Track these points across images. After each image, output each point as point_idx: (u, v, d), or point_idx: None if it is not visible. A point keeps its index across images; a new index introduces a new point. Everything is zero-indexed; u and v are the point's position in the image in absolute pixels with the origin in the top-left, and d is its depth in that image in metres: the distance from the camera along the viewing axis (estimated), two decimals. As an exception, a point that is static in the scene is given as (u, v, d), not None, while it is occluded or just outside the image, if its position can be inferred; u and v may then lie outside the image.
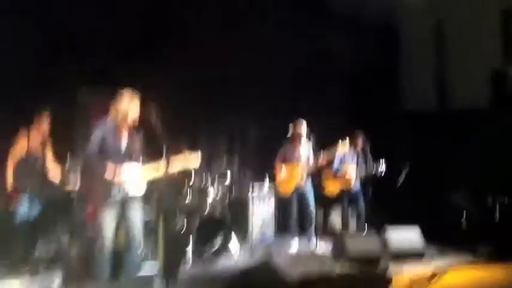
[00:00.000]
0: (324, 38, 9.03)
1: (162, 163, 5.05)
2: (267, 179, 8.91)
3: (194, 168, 5.82)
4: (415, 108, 10.18)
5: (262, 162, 9.36)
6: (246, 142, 10.07)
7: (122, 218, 5.19)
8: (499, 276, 6.33)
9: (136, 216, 5.22)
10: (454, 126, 8.97)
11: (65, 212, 6.25)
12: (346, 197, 8.30)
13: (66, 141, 6.96)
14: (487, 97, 9.17)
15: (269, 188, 8.88)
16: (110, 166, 5.01)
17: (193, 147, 8.15)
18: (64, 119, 6.92)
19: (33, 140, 6.19)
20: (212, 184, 7.48)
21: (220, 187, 7.65)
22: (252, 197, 8.68)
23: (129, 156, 5.17)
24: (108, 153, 5.06)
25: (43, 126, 6.20)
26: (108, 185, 5.01)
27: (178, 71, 7.83)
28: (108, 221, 5.07)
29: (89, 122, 7.70)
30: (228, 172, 7.93)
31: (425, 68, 10.29)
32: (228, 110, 8.95)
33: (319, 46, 9.04)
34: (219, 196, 7.60)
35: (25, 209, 5.98)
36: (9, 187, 5.94)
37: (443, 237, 7.75)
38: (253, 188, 8.85)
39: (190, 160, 5.47)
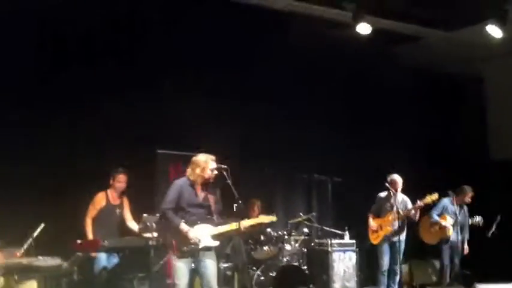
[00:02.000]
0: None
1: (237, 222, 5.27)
2: (347, 230, 8.72)
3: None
4: (505, 158, 9.75)
5: (343, 212, 9.24)
6: (326, 193, 9.99)
7: (197, 269, 5.22)
8: None
9: (211, 266, 5.27)
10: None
11: (142, 261, 6.34)
12: (444, 248, 7.92)
13: (145, 197, 7.18)
14: None
15: (350, 238, 8.67)
16: (186, 220, 5.16)
17: (271, 201, 8.35)
18: (143, 177, 7.20)
19: (111, 193, 6.45)
20: (290, 234, 7.36)
21: (299, 237, 7.51)
22: (332, 248, 8.48)
23: (204, 211, 5.31)
24: (184, 207, 5.23)
25: (121, 182, 6.44)
26: (184, 238, 5.12)
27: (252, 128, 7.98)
28: (183, 272, 5.14)
29: (167, 180, 8.07)
30: (307, 221, 7.80)
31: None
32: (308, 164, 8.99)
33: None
34: (297, 245, 7.45)
35: (104, 257, 6.12)
36: (89, 238, 6.13)
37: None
38: (334, 237, 8.68)
39: (265, 220, 5.68)
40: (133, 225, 6.42)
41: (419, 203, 7.38)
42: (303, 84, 8.79)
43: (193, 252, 5.16)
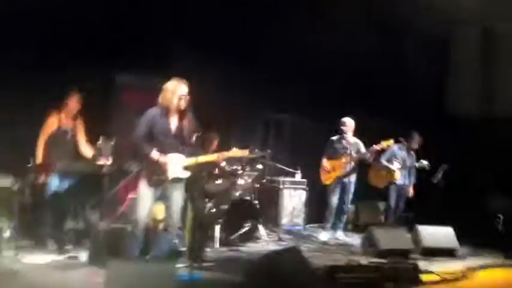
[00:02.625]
0: (375, 44, 8.92)
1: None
2: (299, 169, 8.91)
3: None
4: (460, 114, 10.04)
5: (297, 152, 9.40)
6: (283, 132, 10.12)
7: (163, 198, 5.24)
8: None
9: (178, 197, 5.26)
10: (496, 133, 8.78)
11: (95, 187, 6.29)
12: (391, 191, 8.19)
13: (100, 120, 7.02)
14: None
15: (302, 177, 8.89)
16: (157, 148, 5.10)
17: (227, 134, 8.36)
18: (97, 100, 7.00)
19: (63, 117, 6.24)
20: (244, 169, 7.44)
21: (252, 172, 7.61)
22: (283, 185, 8.68)
23: (178, 141, 5.22)
24: (156, 135, 5.14)
25: (74, 104, 6.25)
26: (153, 166, 5.08)
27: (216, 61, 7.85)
28: (147, 199, 5.12)
29: (124, 104, 7.94)
30: (261, 158, 7.88)
31: (472, 76, 10.13)
32: (266, 102, 9.03)
33: (369, 50, 8.94)
34: (250, 181, 7.55)
35: (56, 182, 6.01)
36: (40, 161, 5.99)
37: (477, 238, 7.66)
38: (285, 175, 8.87)
39: (239, 154, 5.66)
40: (86, 150, 6.27)
41: (374, 147, 7.59)
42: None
43: (162, 182, 5.12)
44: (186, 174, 5.23)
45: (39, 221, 6.01)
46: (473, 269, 6.25)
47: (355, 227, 8.81)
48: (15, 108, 6.42)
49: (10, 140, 5.59)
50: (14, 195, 5.07)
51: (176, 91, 5.16)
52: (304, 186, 8.91)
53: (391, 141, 7.63)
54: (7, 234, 5.30)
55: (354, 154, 7.68)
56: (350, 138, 7.82)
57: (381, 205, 8.92)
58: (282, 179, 8.82)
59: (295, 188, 8.90)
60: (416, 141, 8.24)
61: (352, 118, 7.91)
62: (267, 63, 8.44)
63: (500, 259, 6.96)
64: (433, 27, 9.14)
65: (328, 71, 8.75)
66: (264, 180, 8.52)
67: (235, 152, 5.68)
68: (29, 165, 5.71)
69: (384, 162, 8.12)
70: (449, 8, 8.43)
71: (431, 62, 9.72)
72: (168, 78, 5.27)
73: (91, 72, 6.96)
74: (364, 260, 6.07)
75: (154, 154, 5.06)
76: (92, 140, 6.30)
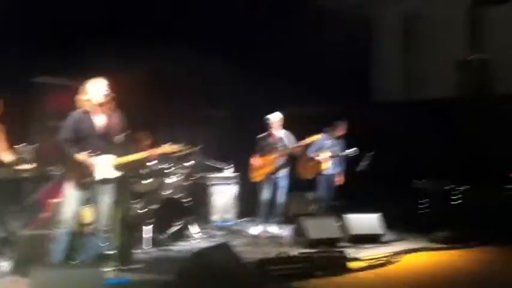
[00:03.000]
0: (296, 29, 9.00)
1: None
2: (231, 164, 8.94)
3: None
4: (384, 98, 10.34)
5: (226, 148, 9.40)
6: (211, 128, 10.09)
7: (91, 201, 5.13)
8: (454, 260, 6.46)
9: (104, 199, 5.16)
10: (420, 116, 9.11)
11: (16, 193, 6.04)
12: (320, 181, 8.34)
13: (20, 127, 6.75)
14: (453, 86, 9.33)
15: (233, 173, 8.91)
16: (82, 151, 4.97)
17: (159, 133, 8.26)
18: (17, 104, 6.71)
19: None
20: (174, 167, 7.36)
21: (181, 170, 7.54)
22: (212, 181, 8.69)
23: (105, 140, 5.10)
24: (82, 137, 5.02)
25: None
26: (80, 168, 4.96)
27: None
28: (73, 203, 5.00)
29: (45, 107, 7.69)
30: (190, 155, 7.81)
31: (395, 59, 10.46)
32: (194, 97, 8.95)
33: (291, 37, 9.01)
34: (181, 179, 7.48)
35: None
36: None
37: (403, 223, 7.92)
38: (215, 171, 8.86)
39: (170, 150, 5.64)
40: (5, 156, 6.00)
41: (301, 142, 7.71)
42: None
43: (90, 184, 5.01)
44: (116, 174, 5.14)
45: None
46: (398, 254, 6.50)
47: (286, 219, 8.92)
48: None
49: None
50: None
51: (98, 90, 5.07)
52: (235, 181, 8.94)
53: (318, 136, 7.80)
54: None
55: (282, 149, 7.75)
56: (278, 133, 7.87)
57: (310, 196, 9.06)
58: (211, 175, 8.81)
59: (225, 184, 8.91)
60: (341, 129, 8.41)
61: (284, 110, 7.92)
62: (197, 58, 8.41)
63: (424, 243, 7.22)
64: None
65: (255, 62, 8.79)
66: (194, 178, 8.47)
67: (165, 148, 5.64)
68: None
69: (311, 153, 8.25)
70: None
71: (356, 47, 9.96)
72: (89, 78, 5.14)
73: (9, 76, 6.71)
74: (294, 251, 6.19)
75: (80, 156, 4.95)
76: (12, 146, 6.04)
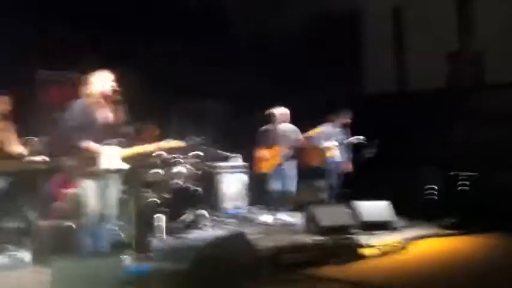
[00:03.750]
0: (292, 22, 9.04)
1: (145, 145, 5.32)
2: (240, 154, 9.02)
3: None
4: (384, 89, 10.40)
5: (236, 138, 9.46)
6: (220, 118, 10.18)
7: (100, 191, 5.14)
8: (465, 246, 6.52)
9: (114, 189, 5.22)
10: (417, 106, 9.19)
11: (30, 185, 6.15)
12: (329, 169, 8.40)
13: (27, 120, 6.84)
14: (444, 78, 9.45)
15: (242, 162, 8.99)
16: (89, 140, 5.00)
17: (166, 124, 8.34)
18: (24, 98, 6.81)
19: None
20: (183, 157, 7.43)
21: (192, 159, 7.60)
22: (222, 169, 8.77)
23: (109, 131, 5.14)
24: (87, 127, 5.03)
25: (2, 104, 6.03)
26: (87, 158, 4.99)
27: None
28: (88, 193, 5.03)
29: (50, 101, 7.78)
30: (201, 146, 7.87)
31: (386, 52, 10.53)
32: (201, 88, 9.00)
33: (285, 30, 9.05)
34: (190, 168, 7.55)
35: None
36: None
37: (413, 210, 7.92)
38: (225, 161, 8.94)
39: (175, 145, 5.66)
40: (17, 148, 6.09)
41: (306, 134, 7.84)
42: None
43: (97, 174, 5.03)
44: (123, 165, 5.18)
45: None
46: (410, 240, 6.54)
47: (296, 207, 8.98)
48: None
49: None
50: None
51: (103, 82, 5.11)
52: (245, 170, 9.02)
53: (319, 128, 7.96)
54: None
55: (286, 144, 7.81)
56: (282, 126, 7.92)
57: (320, 183, 9.12)
58: (221, 164, 8.88)
59: (235, 172, 8.99)
60: (346, 117, 8.45)
61: (288, 102, 7.99)
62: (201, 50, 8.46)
63: (434, 229, 7.27)
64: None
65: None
66: (205, 167, 8.53)
67: (170, 143, 5.65)
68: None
69: (318, 142, 8.28)
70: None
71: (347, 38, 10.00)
72: (93, 71, 5.18)
73: (14, 72, 6.78)
74: (306, 239, 6.25)
75: (87, 146, 4.98)
76: (21, 140, 6.14)
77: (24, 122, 6.57)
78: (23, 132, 6.11)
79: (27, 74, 7.32)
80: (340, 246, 5.76)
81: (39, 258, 5.25)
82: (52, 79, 7.93)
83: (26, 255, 5.51)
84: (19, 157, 5.97)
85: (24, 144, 5.90)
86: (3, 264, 5.42)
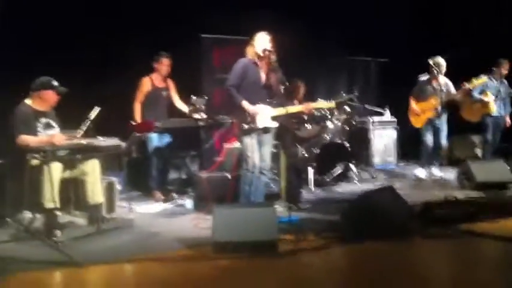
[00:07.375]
0: None
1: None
2: (388, 108, 8.89)
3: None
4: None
5: (386, 92, 9.34)
6: (369, 74, 10.08)
7: (257, 147, 5.42)
8: None
9: (268, 144, 5.53)
10: None
11: (192, 140, 6.65)
12: (487, 123, 7.99)
13: (190, 80, 7.36)
14: None
15: (392, 117, 8.87)
16: (247, 98, 5.29)
17: (313, 80, 8.47)
18: (188, 61, 7.36)
19: (155, 78, 6.54)
20: (332, 113, 7.52)
21: (341, 115, 7.67)
22: (372, 125, 8.73)
23: (266, 91, 5.43)
24: (246, 85, 5.34)
25: (164, 66, 6.52)
26: (244, 115, 5.30)
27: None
28: (253, 145, 5.34)
29: (212, 64, 8.26)
30: (349, 101, 7.88)
31: None
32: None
33: None
34: (340, 124, 7.63)
35: (156, 138, 6.37)
36: (140, 120, 6.33)
37: None
38: (374, 115, 8.87)
39: (325, 105, 5.98)
40: (182, 106, 6.58)
41: (465, 87, 7.36)
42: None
43: (253, 131, 5.32)
44: (274, 124, 5.44)
45: (146, 174, 6.49)
46: None
47: (450, 162, 8.67)
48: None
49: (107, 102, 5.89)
50: (122, 153, 5.43)
51: (263, 44, 5.35)
52: (394, 125, 8.90)
53: (483, 79, 7.41)
54: (119, 187, 5.75)
55: (444, 96, 7.45)
56: (441, 78, 7.53)
57: (476, 138, 8.72)
58: (371, 119, 8.83)
59: (385, 127, 8.90)
60: (505, 68, 7.89)
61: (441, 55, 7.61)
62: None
63: None
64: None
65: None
66: (354, 122, 8.53)
67: (320, 103, 5.95)
68: (133, 123, 6.09)
69: (477, 95, 7.86)
70: None
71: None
72: (252, 34, 5.42)
73: (178, 34, 7.27)
74: (460, 195, 6.06)
75: (245, 104, 5.27)
76: (183, 98, 6.61)
77: (188, 82, 7.11)
78: (187, 92, 6.55)
79: (189, 36, 7.79)
80: (496, 202, 5.52)
81: (200, 205, 5.76)
82: (213, 42, 8.36)
83: (188, 202, 6.07)
84: (184, 114, 6.48)
85: (188, 101, 6.33)
86: (171, 210, 6.03)
